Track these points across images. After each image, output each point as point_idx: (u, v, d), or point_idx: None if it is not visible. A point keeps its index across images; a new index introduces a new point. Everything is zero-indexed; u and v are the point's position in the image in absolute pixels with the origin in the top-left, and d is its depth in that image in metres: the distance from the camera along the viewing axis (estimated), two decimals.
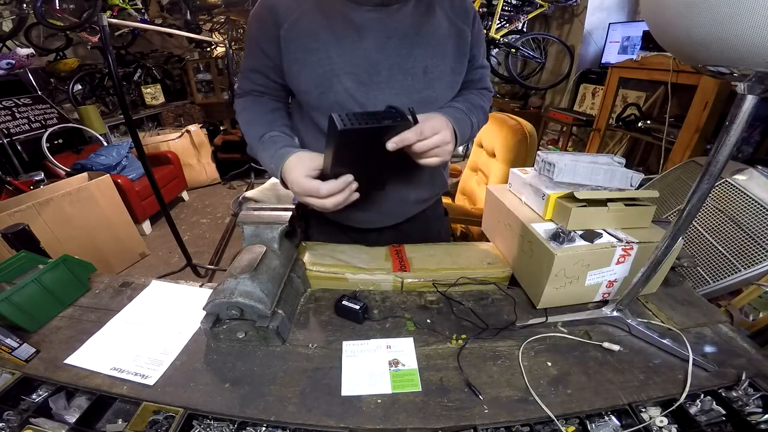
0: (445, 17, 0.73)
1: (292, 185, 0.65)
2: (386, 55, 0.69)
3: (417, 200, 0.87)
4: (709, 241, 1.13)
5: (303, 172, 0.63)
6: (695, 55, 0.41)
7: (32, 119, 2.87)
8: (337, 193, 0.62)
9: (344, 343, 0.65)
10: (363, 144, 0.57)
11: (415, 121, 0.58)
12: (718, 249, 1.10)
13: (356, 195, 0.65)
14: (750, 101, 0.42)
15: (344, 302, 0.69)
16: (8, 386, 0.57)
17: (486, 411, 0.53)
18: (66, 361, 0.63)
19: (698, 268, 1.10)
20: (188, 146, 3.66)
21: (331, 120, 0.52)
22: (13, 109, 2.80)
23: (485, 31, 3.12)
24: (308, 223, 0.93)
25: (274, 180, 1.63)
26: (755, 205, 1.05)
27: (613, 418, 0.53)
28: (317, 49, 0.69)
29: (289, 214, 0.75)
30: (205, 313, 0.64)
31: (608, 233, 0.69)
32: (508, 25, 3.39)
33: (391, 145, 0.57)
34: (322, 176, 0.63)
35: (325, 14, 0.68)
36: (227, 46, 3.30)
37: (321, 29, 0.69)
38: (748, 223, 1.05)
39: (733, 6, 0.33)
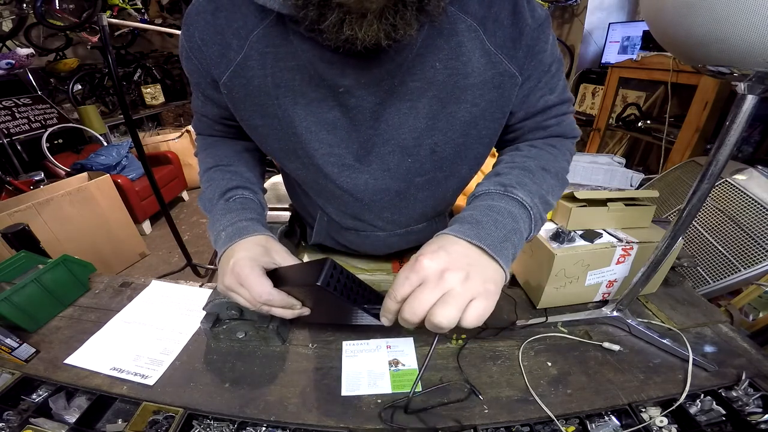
0: (482, 54, 0.47)
1: (234, 264, 0.47)
2: (377, 130, 0.50)
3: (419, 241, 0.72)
4: (709, 241, 1.13)
5: (258, 261, 0.48)
6: (695, 55, 0.41)
7: (32, 119, 2.87)
8: (279, 308, 0.49)
9: (344, 343, 0.65)
10: (330, 300, 0.46)
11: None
12: (718, 249, 1.10)
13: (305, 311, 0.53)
14: (750, 101, 0.42)
15: None
16: (8, 386, 0.57)
17: (486, 411, 0.53)
18: (66, 361, 0.63)
19: (698, 268, 1.10)
20: (188, 146, 3.65)
21: (319, 266, 0.41)
22: (13, 109, 2.79)
23: None
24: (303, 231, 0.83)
25: (273, 180, 1.62)
26: (755, 205, 1.05)
27: (613, 418, 0.53)
28: (279, 117, 0.50)
29: (289, 214, 0.75)
30: (205, 313, 0.64)
31: (608, 233, 0.69)
32: None
33: (385, 321, 0.42)
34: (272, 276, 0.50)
35: (284, 64, 0.46)
36: None
37: (280, 89, 0.48)
38: (748, 223, 1.05)
39: (732, 6, 0.33)
